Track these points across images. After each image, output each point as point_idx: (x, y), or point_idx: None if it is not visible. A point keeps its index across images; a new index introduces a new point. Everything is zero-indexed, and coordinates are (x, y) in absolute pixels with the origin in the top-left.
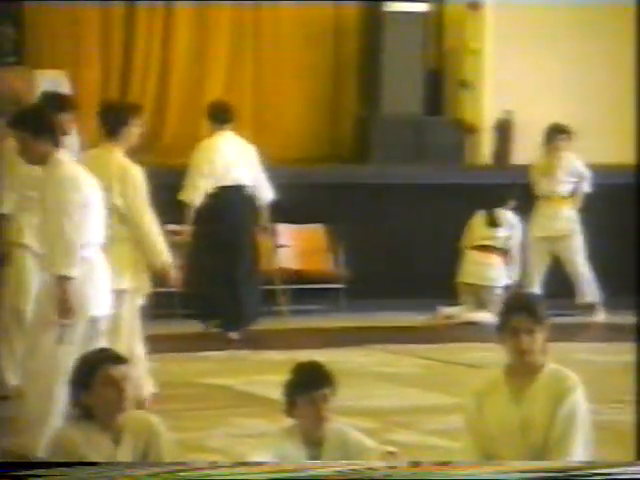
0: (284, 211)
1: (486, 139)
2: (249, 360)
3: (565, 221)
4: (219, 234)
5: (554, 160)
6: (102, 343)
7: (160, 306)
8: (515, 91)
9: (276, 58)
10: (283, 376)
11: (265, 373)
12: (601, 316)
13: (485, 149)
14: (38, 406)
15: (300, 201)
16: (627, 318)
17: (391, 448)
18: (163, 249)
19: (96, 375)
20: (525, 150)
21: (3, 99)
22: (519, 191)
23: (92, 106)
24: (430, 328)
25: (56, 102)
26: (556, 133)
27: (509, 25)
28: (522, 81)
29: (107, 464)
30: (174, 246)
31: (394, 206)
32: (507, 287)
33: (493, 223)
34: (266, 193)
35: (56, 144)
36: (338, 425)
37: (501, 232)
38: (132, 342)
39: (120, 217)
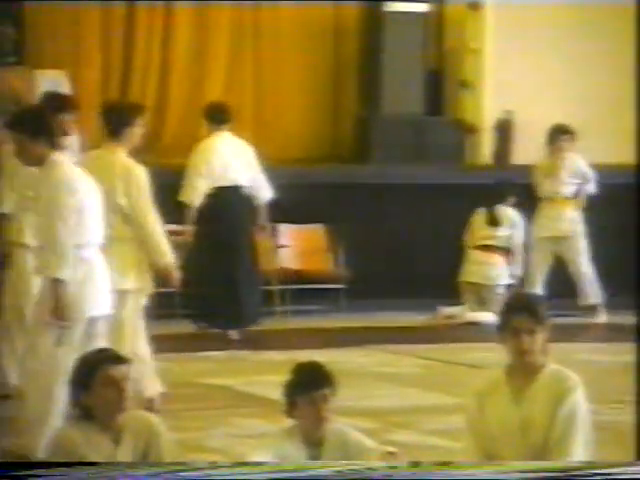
0: (284, 211)
1: (486, 139)
2: (249, 360)
3: (569, 222)
4: (217, 234)
5: (557, 161)
6: (102, 343)
7: (160, 306)
8: (515, 91)
9: (276, 58)
10: (283, 376)
11: (265, 373)
12: (602, 317)
13: (485, 149)
14: (38, 406)
15: (300, 201)
16: (628, 318)
17: (391, 448)
18: (167, 249)
19: (96, 375)
20: (525, 150)
21: (3, 99)
22: (519, 189)
23: (92, 106)
24: (430, 328)
25: (57, 102)
26: (559, 134)
27: (509, 25)
28: (522, 81)
29: (107, 464)
30: (174, 246)
31: (394, 206)
32: (509, 286)
33: (494, 222)
34: (265, 193)
35: (53, 146)
36: (338, 425)
37: (502, 231)
38: (136, 342)
39: (124, 217)
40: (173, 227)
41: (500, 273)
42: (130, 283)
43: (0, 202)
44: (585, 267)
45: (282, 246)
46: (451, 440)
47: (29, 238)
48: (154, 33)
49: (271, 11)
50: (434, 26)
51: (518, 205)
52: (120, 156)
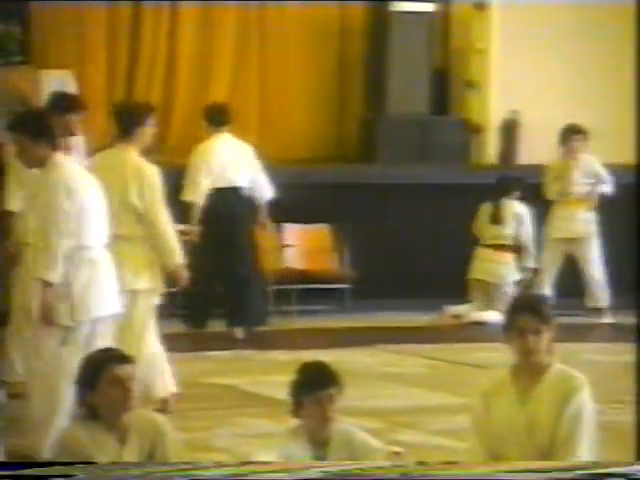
0: (289, 211)
1: (492, 139)
2: (254, 360)
3: (582, 223)
4: (216, 235)
5: (570, 161)
6: (109, 343)
7: (165, 305)
8: (521, 91)
9: (281, 58)
10: (289, 376)
11: (270, 373)
12: (608, 318)
13: (491, 149)
14: (43, 407)
15: (305, 201)
16: (631, 319)
17: (397, 448)
18: (177, 249)
19: (102, 375)
20: (531, 150)
21: (9, 99)
22: (523, 183)
23: (97, 106)
24: (435, 328)
25: (65, 102)
26: (571, 134)
27: (515, 25)
28: (528, 81)
29: (112, 463)
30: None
31: (400, 206)
32: (521, 281)
33: (497, 220)
34: (266, 192)
35: (54, 147)
36: (344, 425)
37: (507, 229)
38: (148, 342)
39: (137, 217)
40: (178, 227)
41: (509, 271)
42: (143, 283)
43: (9, 200)
44: (596, 270)
45: (287, 246)
46: (456, 440)
47: None
48: (160, 33)
49: (276, 11)
50: (440, 26)
51: (523, 199)
52: (132, 156)
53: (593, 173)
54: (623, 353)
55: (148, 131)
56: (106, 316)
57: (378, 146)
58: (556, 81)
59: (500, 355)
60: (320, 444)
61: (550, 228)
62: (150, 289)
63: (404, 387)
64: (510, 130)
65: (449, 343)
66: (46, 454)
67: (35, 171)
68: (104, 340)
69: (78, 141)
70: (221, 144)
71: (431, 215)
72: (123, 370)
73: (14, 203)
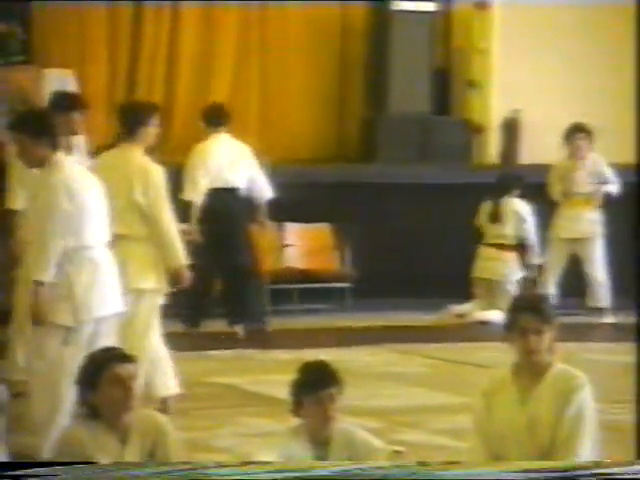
0: (291, 210)
1: (493, 138)
2: (255, 359)
3: (588, 223)
4: (214, 235)
5: (575, 161)
6: (111, 343)
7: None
8: (522, 91)
9: (282, 58)
10: (290, 375)
11: (272, 372)
12: (609, 318)
13: (492, 148)
14: (44, 407)
15: (307, 200)
16: (632, 318)
17: (398, 448)
18: (180, 249)
19: (103, 374)
20: (532, 149)
21: (11, 98)
22: (524, 182)
23: (99, 105)
24: (437, 327)
25: (67, 102)
26: (575, 132)
27: (516, 25)
28: (529, 81)
29: (114, 463)
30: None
31: (401, 206)
32: (524, 280)
33: (497, 219)
34: (265, 192)
35: (55, 147)
36: (345, 425)
37: (508, 228)
38: (152, 342)
39: (142, 216)
40: (180, 227)
41: (511, 269)
42: (148, 283)
43: (12, 200)
44: (599, 270)
45: (288, 245)
46: (458, 440)
47: None
48: (161, 33)
49: (277, 11)
50: (441, 26)
51: (523, 197)
52: (137, 155)
53: (598, 173)
54: (624, 353)
55: (152, 131)
56: (108, 316)
57: (379, 146)
58: (557, 81)
59: (502, 355)
60: (321, 444)
61: (555, 228)
62: (155, 289)
63: (405, 386)
64: (511, 130)
65: (450, 342)
66: (47, 454)
67: (36, 170)
68: (107, 340)
69: (79, 140)
70: (219, 145)
71: (432, 214)
72: (124, 369)
73: (17, 202)
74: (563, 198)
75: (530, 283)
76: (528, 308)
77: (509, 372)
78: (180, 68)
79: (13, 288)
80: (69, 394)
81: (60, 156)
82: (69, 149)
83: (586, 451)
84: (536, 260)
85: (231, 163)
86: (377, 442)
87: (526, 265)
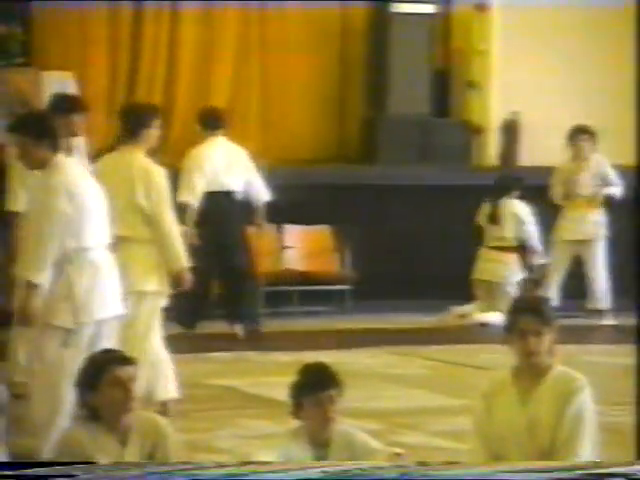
0: (290, 212)
1: (493, 140)
2: (255, 361)
3: (591, 225)
4: (210, 238)
5: (578, 163)
6: (111, 345)
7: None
8: (522, 92)
9: (282, 59)
10: (289, 377)
11: (271, 374)
12: (609, 320)
13: (492, 150)
14: (44, 408)
15: (306, 202)
16: (633, 320)
17: (397, 449)
18: (182, 251)
19: (103, 376)
20: (532, 151)
21: (11, 100)
22: (523, 184)
23: (99, 108)
24: (437, 329)
25: (67, 104)
26: (578, 134)
27: (516, 26)
28: (529, 82)
29: (113, 464)
30: None
31: (400, 207)
32: (528, 281)
33: (496, 220)
34: (262, 195)
35: (55, 149)
36: (344, 426)
37: (507, 229)
38: (153, 344)
39: (144, 218)
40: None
41: (510, 271)
42: (150, 285)
43: (13, 201)
44: (599, 272)
45: (288, 247)
46: (458, 442)
47: None
48: (161, 35)
49: (277, 13)
50: (441, 27)
51: (522, 198)
52: (139, 157)
53: (602, 175)
54: (624, 355)
55: (154, 133)
56: (109, 318)
57: (379, 147)
58: (557, 82)
59: (501, 356)
60: (321, 445)
61: (559, 230)
62: (157, 291)
63: (405, 388)
64: (511, 131)
65: (450, 344)
66: (47, 455)
67: (36, 172)
68: (108, 342)
69: (79, 142)
70: (215, 148)
71: (432, 216)
72: (124, 371)
73: (18, 204)
74: (566, 200)
75: (531, 285)
76: (528, 310)
77: (509, 374)
78: (180, 69)
79: (14, 289)
80: (69, 396)
81: (61, 158)
82: (69, 151)
83: (586, 453)
84: (538, 261)
85: (227, 166)
86: (376, 444)
87: (527, 267)
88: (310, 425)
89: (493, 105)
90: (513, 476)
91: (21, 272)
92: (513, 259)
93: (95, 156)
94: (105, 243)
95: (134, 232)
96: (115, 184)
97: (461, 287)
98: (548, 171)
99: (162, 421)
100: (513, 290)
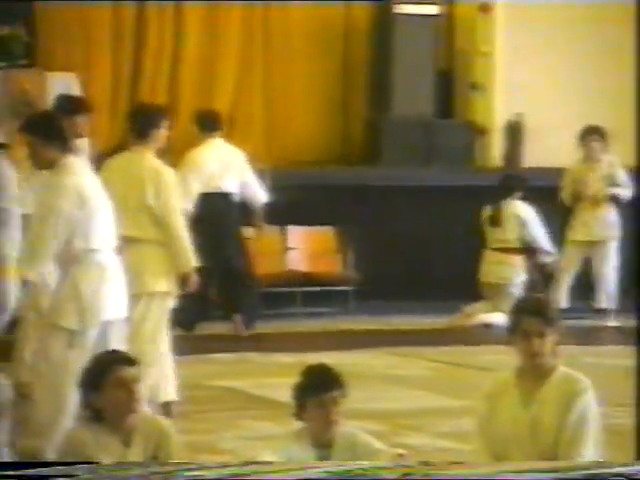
0: (293, 213)
1: (496, 141)
2: (258, 362)
3: (602, 226)
4: (207, 239)
5: (589, 163)
6: (118, 347)
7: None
8: (525, 93)
9: (286, 61)
10: (292, 379)
11: (274, 376)
12: (612, 321)
13: (495, 151)
14: (48, 409)
15: (310, 203)
16: (633, 321)
17: (400, 451)
18: (190, 253)
19: (106, 377)
20: (535, 152)
21: (15, 101)
22: (526, 184)
23: (103, 109)
24: (440, 330)
25: (71, 105)
26: (588, 134)
27: (520, 27)
28: (533, 83)
29: (115, 464)
30: None
31: (404, 208)
32: (529, 282)
33: (498, 223)
34: (260, 197)
35: (65, 150)
36: (347, 428)
37: (509, 231)
38: (160, 346)
39: (154, 219)
40: None
41: (514, 273)
42: (159, 286)
43: (22, 203)
44: (609, 272)
45: (291, 248)
46: (461, 443)
47: None
48: (164, 36)
49: (281, 14)
50: (444, 28)
51: (525, 199)
52: (148, 158)
53: (612, 176)
54: (627, 356)
55: (163, 133)
56: (116, 320)
57: (382, 148)
58: (561, 83)
59: (505, 358)
60: (324, 447)
61: (570, 231)
62: (167, 292)
63: (408, 389)
64: (515, 132)
65: (453, 345)
66: (50, 455)
67: (45, 173)
68: (114, 344)
69: (83, 143)
70: (211, 150)
71: (436, 217)
72: (128, 372)
73: (27, 206)
74: (577, 201)
75: (536, 286)
76: (531, 311)
77: (512, 375)
78: (183, 71)
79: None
80: (73, 396)
81: (70, 159)
82: (74, 152)
83: (589, 455)
84: (545, 262)
85: (224, 168)
86: (379, 445)
87: (534, 268)
88: (313, 426)
89: (497, 106)
90: (514, 476)
91: (18, 269)
92: (517, 260)
93: (98, 157)
94: (112, 245)
95: (144, 233)
96: (125, 185)
97: (464, 288)
98: (552, 172)
99: (165, 422)
100: (518, 291)
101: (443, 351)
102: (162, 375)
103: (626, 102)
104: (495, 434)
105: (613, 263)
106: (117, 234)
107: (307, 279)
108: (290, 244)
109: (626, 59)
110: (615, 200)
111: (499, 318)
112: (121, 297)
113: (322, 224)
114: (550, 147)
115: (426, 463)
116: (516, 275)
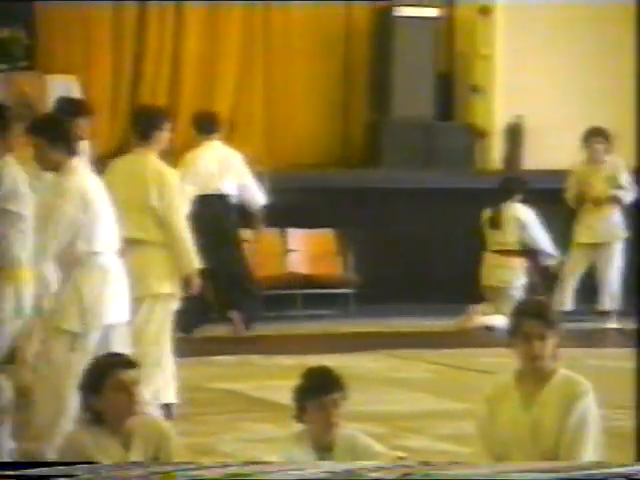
0: (294, 216)
1: (496, 144)
2: (259, 365)
3: (607, 228)
4: (204, 241)
5: (592, 165)
6: (120, 350)
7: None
8: (526, 96)
9: (286, 62)
10: (293, 381)
11: (275, 378)
12: (613, 323)
13: (495, 154)
14: (49, 411)
15: (310, 205)
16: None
17: (401, 453)
18: (193, 255)
19: (106, 380)
20: (535, 155)
21: (15, 104)
22: (526, 186)
23: (103, 111)
24: (441, 333)
25: (72, 107)
26: (592, 136)
27: (520, 30)
28: (533, 86)
29: (115, 464)
30: None
31: (404, 211)
32: (530, 285)
33: (497, 225)
34: (258, 199)
35: (71, 153)
36: (348, 430)
37: (509, 234)
38: (163, 348)
39: (158, 221)
40: None
41: (516, 276)
42: (163, 288)
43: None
44: (613, 273)
45: (292, 251)
46: (461, 445)
47: None
48: (165, 39)
49: (281, 16)
50: (444, 31)
51: (525, 202)
52: (151, 159)
53: (614, 177)
54: (629, 359)
55: (165, 135)
56: (118, 323)
57: (383, 150)
58: (561, 84)
59: (505, 360)
60: (324, 449)
61: (575, 233)
62: (170, 294)
63: (409, 392)
64: (515, 135)
65: (454, 348)
66: (50, 458)
67: (49, 175)
68: (116, 347)
69: (84, 146)
70: (209, 152)
71: (436, 220)
72: (128, 375)
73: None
74: (582, 202)
75: (537, 288)
76: (532, 314)
77: (513, 378)
78: (184, 73)
79: None
80: (74, 399)
81: (75, 162)
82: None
83: (589, 457)
84: (546, 264)
85: (221, 170)
86: (380, 448)
87: (534, 270)
88: (314, 429)
89: (497, 109)
90: (514, 476)
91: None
92: (517, 263)
93: (98, 159)
94: (114, 248)
95: (148, 235)
96: (129, 187)
97: (465, 291)
98: (553, 174)
99: (165, 424)
100: (518, 294)
101: (444, 353)
102: (166, 378)
103: (626, 102)
104: (496, 437)
105: (618, 264)
106: (120, 237)
107: (308, 281)
108: (291, 246)
109: (626, 59)
110: (618, 202)
111: (500, 321)
112: (123, 300)
113: (322, 226)
114: (551, 148)
115: (426, 463)
116: (516, 278)
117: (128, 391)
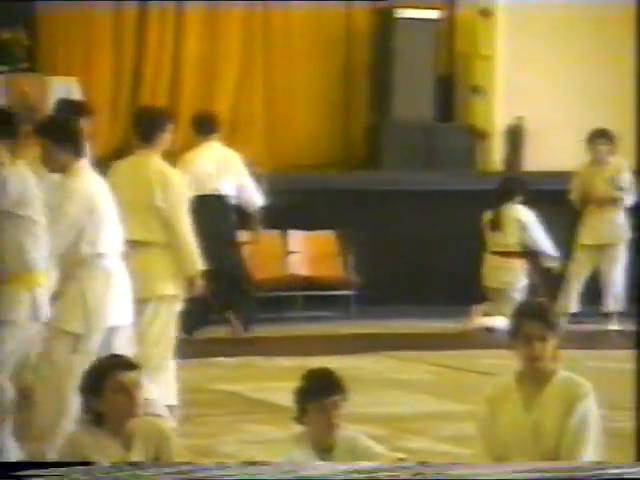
0: (294, 217)
1: (497, 145)
2: (259, 366)
3: (611, 229)
4: (202, 242)
5: (595, 166)
6: (123, 352)
7: None
8: (526, 97)
9: (287, 64)
10: (293, 383)
11: (275, 379)
12: (616, 325)
13: (496, 155)
14: (50, 412)
15: (311, 207)
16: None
17: (401, 455)
18: (197, 256)
19: (106, 382)
20: (536, 156)
21: (16, 105)
22: (527, 187)
23: (103, 111)
24: (441, 335)
25: (72, 109)
26: (596, 137)
27: (520, 31)
28: (533, 87)
29: (116, 464)
30: None
31: (404, 212)
32: (531, 286)
33: (497, 227)
34: (256, 200)
35: (77, 154)
36: (348, 432)
37: (509, 235)
38: (165, 349)
39: (162, 222)
40: None
41: (517, 277)
42: (167, 289)
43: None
44: (617, 275)
45: (292, 252)
46: (462, 447)
47: None
48: (165, 40)
49: (282, 17)
50: (445, 32)
51: (526, 203)
52: (155, 161)
53: (617, 179)
54: (629, 360)
55: (167, 136)
56: (121, 325)
57: (383, 152)
58: (561, 84)
59: (506, 362)
60: (325, 451)
61: (579, 235)
62: (174, 295)
63: (410, 394)
64: (515, 136)
65: (455, 350)
66: (51, 458)
67: (55, 176)
68: (119, 349)
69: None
70: (207, 153)
71: (436, 221)
72: (128, 377)
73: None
74: (586, 203)
75: (538, 290)
76: (532, 315)
77: (513, 379)
78: (184, 73)
79: None
80: (76, 401)
81: (82, 163)
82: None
83: (590, 458)
84: (547, 266)
85: (219, 170)
86: (380, 449)
87: (534, 272)
88: (314, 430)
89: (497, 110)
90: (515, 476)
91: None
92: (518, 265)
93: (99, 160)
94: (118, 250)
95: (152, 236)
96: (133, 188)
97: (465, 292)
98: (553, 175)
99: (166, 426)
100: (518, 295)
101: (444, 355)
102: (164, 379)
103: (626, 102)
104: (496, 438)
105: (622, 266)
106: (124, 239)
107: (308, 283)
108: (291, 248)
109: (626, 59)
110: (620, 203)
111: (500, 322)
112: (126, 303)
113: (323, 228)
114: (551, 149)
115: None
116: (517, 279)
117: (128, 393)
